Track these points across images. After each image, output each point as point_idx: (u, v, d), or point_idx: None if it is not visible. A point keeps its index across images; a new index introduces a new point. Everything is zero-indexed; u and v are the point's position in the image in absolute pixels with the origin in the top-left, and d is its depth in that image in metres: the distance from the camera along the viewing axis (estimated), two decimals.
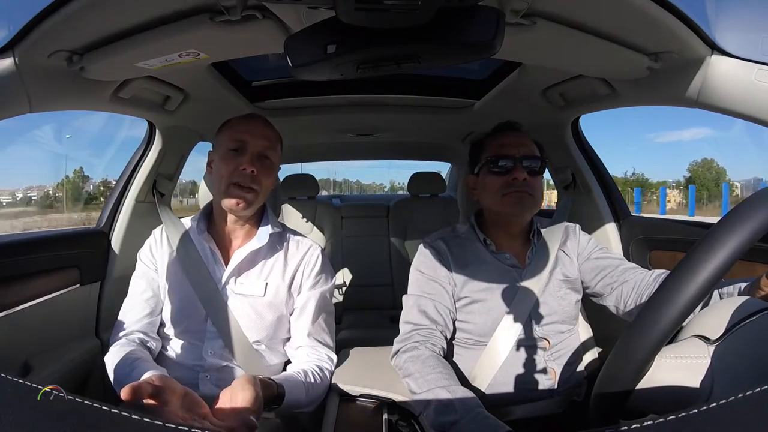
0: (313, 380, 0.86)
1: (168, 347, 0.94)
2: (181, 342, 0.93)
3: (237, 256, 0.94)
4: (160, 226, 1.04)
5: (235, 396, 0.62)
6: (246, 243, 0.95)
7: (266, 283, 0.94)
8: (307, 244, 1.00)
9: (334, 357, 0.97)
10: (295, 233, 1.03)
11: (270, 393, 0.73)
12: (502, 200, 0.93)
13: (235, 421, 0.58)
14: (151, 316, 0.94)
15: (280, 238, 0.98)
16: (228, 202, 0.89)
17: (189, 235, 0.98)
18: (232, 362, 0.91)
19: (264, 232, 0.95)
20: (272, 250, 0.97)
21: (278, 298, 0.94)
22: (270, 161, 0.93)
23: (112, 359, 0.86)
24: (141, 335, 0.92)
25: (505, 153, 0.94)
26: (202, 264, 0.94)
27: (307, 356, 0.93)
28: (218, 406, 0.62)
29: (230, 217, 0.95)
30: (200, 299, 0.91)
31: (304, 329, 0.95)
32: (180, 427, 0.27)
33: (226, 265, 0.94)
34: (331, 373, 0.93)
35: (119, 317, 0.94)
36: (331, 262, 1.05)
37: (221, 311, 0.91)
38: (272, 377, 0.78)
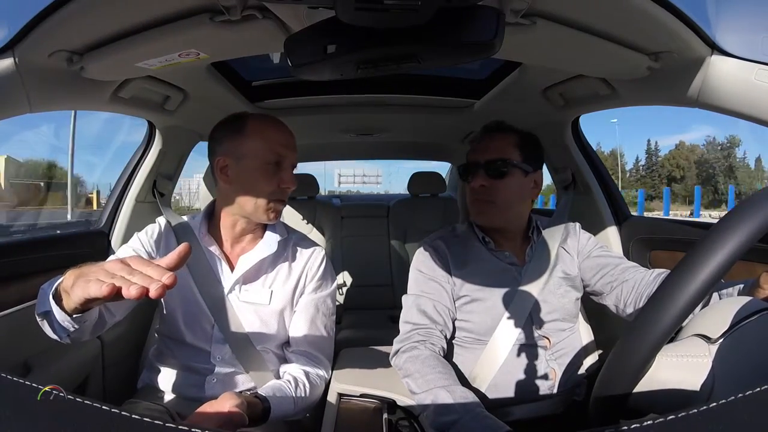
0: (303, 390, 0.85)
1: (175, 349, 0.93)
2: (188, 345, 0.91)
3: (243, 263, 0.92)
4: (162, 216, 1.01)
5: (220, 407, 0.64)
6: (251, 248, 0.93)
7: (271, 291, 0.92)
8: (311, 249, 0.99)
9: (329, 363, 0.96)
10: (299, 236, 1.02)
11: (254, 411, 0.72)
12: (471, 208, 0.95)
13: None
14: None
15: (285, 244, 0.97)
16: (266, 216, 0.90)
17: (195, 237, 0.95)
18: (239, 367, 0.90)
19: (272, 240, 0.94)
20: (278, 257, 0.95)
21: (283, 306, 0.93)
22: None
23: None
24: None
25: (471, 159, 0.95)
26: (209, 268, 0.92)
27: (303, 361, 0.92)
28: (200, 410, 0.64)
29: (241, 222, 0.93)
30: (207, 305, 0.90)
31: (302, 333, 0.94)
32: (180, 427, 0.27)
33: (231, 270, 0.93)
34: (325, 380, 0.92)
35: None
36: (331, 262, 1.04)
37: (228, 318, 0.90)
38: (260, 391, 0.78)
